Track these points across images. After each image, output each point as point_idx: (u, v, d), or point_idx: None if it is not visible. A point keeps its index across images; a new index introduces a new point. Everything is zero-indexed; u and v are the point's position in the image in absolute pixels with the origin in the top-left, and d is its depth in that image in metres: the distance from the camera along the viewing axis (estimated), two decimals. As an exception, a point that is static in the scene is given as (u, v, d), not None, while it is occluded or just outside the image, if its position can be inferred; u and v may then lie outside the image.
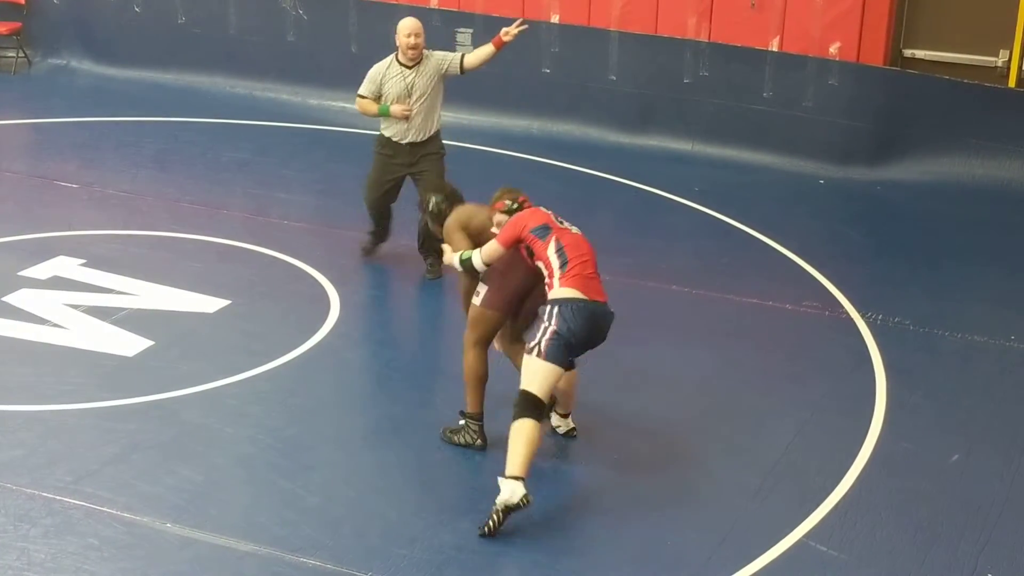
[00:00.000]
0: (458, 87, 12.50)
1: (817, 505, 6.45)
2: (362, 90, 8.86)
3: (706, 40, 11.81)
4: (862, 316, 8.60)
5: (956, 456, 7.00)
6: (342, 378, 7.83)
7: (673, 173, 11.39)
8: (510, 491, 6.02)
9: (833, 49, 11.40)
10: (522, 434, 6.12)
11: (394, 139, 8.88)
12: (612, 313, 6.50)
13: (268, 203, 10.53)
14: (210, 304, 8.53)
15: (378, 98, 8.81)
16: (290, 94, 13.29)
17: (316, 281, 8.98)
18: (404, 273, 9.26)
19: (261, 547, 5.94)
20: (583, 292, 6.36)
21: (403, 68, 8.75)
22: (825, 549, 6.12)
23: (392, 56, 8.85)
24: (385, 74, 8.78)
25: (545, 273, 6.47)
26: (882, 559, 6.12)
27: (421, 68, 8.77)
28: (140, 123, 12.68)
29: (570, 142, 12.14)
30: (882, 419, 7.30)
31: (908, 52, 11.53)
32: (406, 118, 8.73)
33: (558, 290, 6.36)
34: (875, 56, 11.35)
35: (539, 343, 6.23)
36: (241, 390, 7.48)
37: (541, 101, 12.50)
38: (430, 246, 8.62)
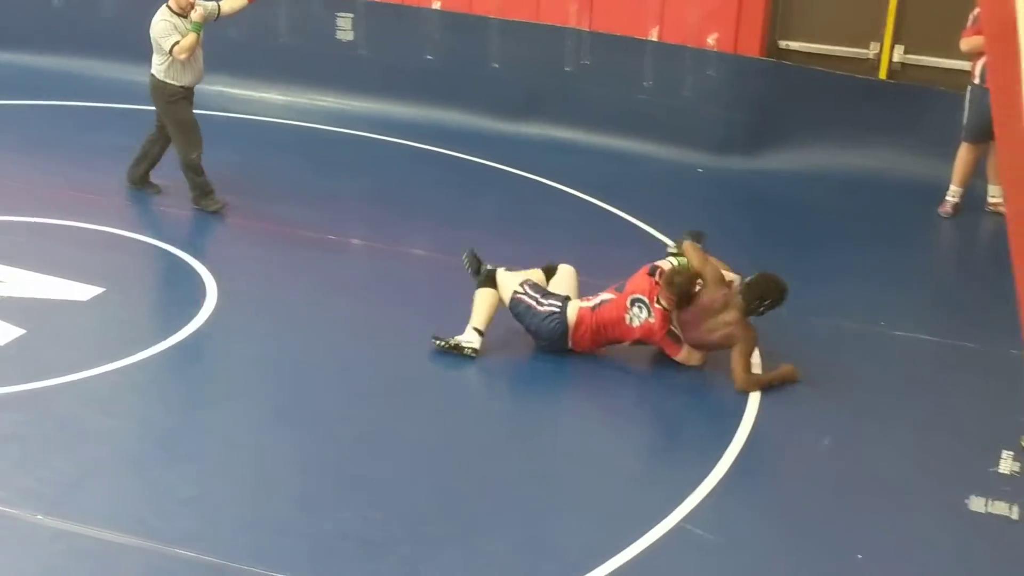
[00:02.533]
0: (341, 72, 12.48)
1: (694, 489, 6.54)
2: (175, 37, 9.48)
3: (587, 29, 11.87)
4: (739, 303, 8.72)
5: (827, 440, 7.15)
6: (219, 367, 7.74)
7: (556, 161, 11.44)
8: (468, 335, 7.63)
9: (711, 40, 11.54)
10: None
11: (189, 86, 9.76)
12: None
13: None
14: (83, 292, 8.36)
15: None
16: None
17: (193, 269, 8.86)
18: (282, 261, 9.17)
19: (137, 539, 5.85)
20: None
21: (180, 17, 9.57)
22: (701, 533, 6.22)
23: (165, 10, 9.57)
24: (175, 23, 9.54)
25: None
26: (756, 542, 6.24)
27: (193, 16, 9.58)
28: (12, 107, 12.36)
29: (453, 129, 12.12)
30: (757, 404, 7.43)
31: (783, 43, 11.72)
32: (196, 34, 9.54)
33: None
34: (751, 47, 11.52)
35: None
36: (116, 380, 7.35)
37: (423, 88, 12.46)
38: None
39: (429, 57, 12.47)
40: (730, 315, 7.55)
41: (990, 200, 10.47)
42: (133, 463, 6.57)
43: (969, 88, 10.22)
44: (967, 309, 8.86)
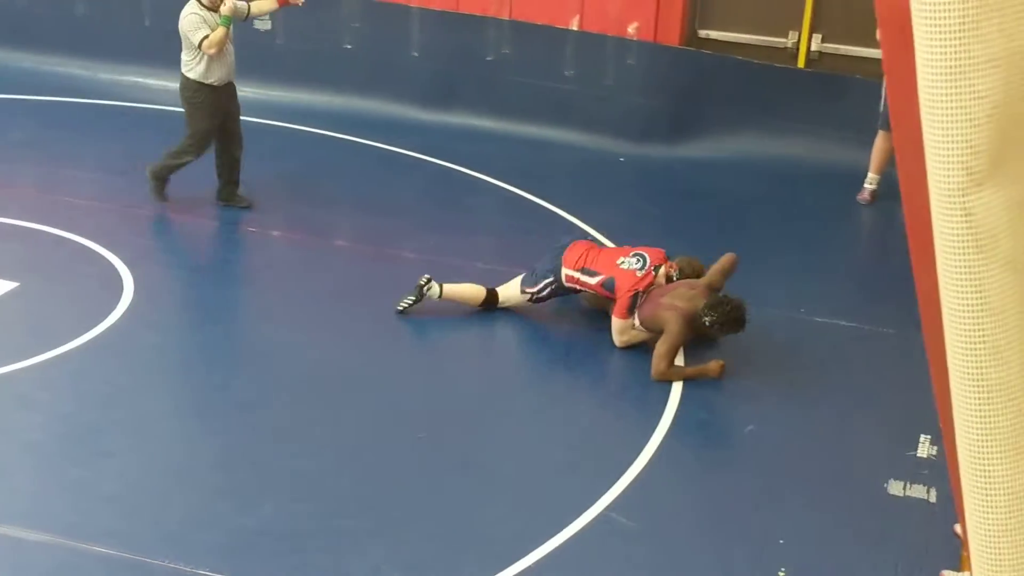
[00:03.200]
0: (260, 62, 12.32)
1: (618, 478, 6.56)
2: (205, 31, 9.14)
3: (508, 18, 11.83)
4: (660, 291, 8.75)
5: (750, 427, 7.19)
6: (137, 362, 7.61)
7: (477, 150, 11.40)
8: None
9: (631, 29, 11.56)
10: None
11: (216, 84, 9.31)
12: None
13: (57, 181, 10.14)
14: (-4, 286, 8.20)
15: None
16: (79, 68, 12.80)
17: (108, 262, 8.70)
18: (199, 254, 9.06)
19: (52, 536, 5.75)
20: None
21: (210, 12, 9.22)
22: (625, 520, 6.23)
23: (194, 3, 9.21)
24: (204, 16, 9.19)
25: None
26: (679, 528, 6.27)
27: (222, 10, 9.23)
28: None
29: (373, 119, 12.03)
30: (680, 392, 7.46)
31: (703, 33, 11.78)
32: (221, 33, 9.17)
33: None
34: (671, 36, 11.56)
35: None
36: (30, 376, 7.21)
37: (343, 77, 12.36)
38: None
39: (348, 46, 12.36)
40: (683, 304, 7.56)
41: (906, 187, 10.60)
42: (49, 460, 6.45)
43: (886, 76, 10.31)
44: (885, 295, 8.95)
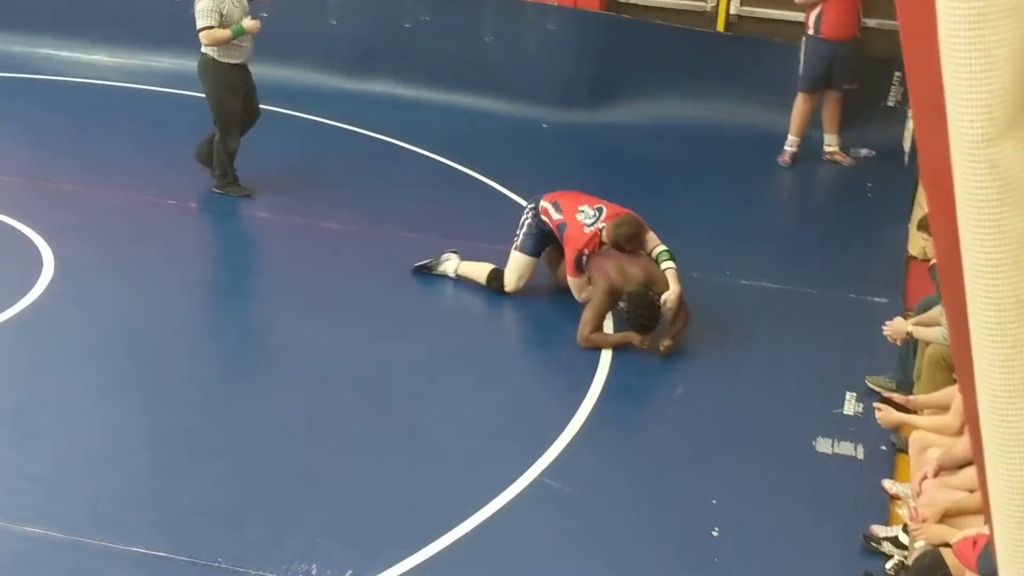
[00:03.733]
0: (176, 32, 12.12)
1: (551, 444, 6.59)
2: (209, 22, 8.98)
3: (426, -15, 11.77)
4: (587, 257, 8.78)
5: (680, 390, 7.26)
6: (61, 339, 7.48)
7: (397, 118, 11.33)
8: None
9: (552, -6, 11.55)
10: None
11: (235, 63, 9.18)
12: None
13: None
14: (-88, 265, 8.03)
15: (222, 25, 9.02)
16: (-9, 40, 12.52)
17: (27, 237, 8.54)
18: (122, 227, 8.91)
19: (-19, 519, 5.66)
20: None
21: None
22: (559, 486, 6.27)
23: None
24: (219, 3, 8.98)
25: None
26: (612, 492, 6.32)
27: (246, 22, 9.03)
28: None
29: (291, 88, 11.87)
30: (609, 358, 7.50)
31: (623, -3, 11.80)
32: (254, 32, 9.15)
33: None
34: (591, 1, 11.55)
35: None
36: (-49, 356, 7.08)
37: (260, 46, 12.11)
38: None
39: (264, 14, 12.18)
40: (615, 276, 7.55)
41: (826, 149, 10.72)
42: (-26, 441, 6.34)
43: (804, 39, 10.41)
44: (807, 256, 9.08)
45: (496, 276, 8.12)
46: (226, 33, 8.99)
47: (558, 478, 6.33)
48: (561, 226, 7.88)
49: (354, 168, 10.37)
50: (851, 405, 7.08)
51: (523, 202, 9.47)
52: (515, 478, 6.27)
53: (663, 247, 7.80)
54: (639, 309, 7.42)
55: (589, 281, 7.75)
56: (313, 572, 5.52)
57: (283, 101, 11.56)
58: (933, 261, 7.41)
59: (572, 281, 7.87)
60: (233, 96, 9.24)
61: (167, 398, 6.83)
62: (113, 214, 9.09)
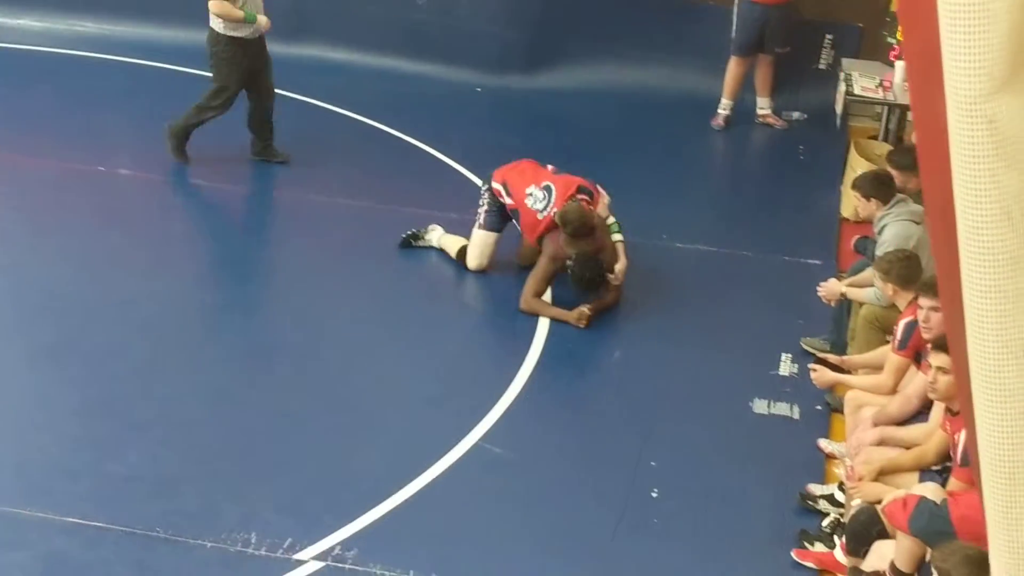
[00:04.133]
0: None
1: (489, 409, 6.59)
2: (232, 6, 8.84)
3: (360, -52, 11.62)
4: (523, 221, 8.76)
5: (617, 353, 7.28)
6: (-10, 308, 7.36)
7: (329, 83, 11.19)
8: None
9: (485, -43, 11.45)
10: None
11: (247, 37, 8.96)
12: None
13: None
14: None
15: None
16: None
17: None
18: (46, 195, 8.75)
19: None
20: None
21: None
22: (499, 451, 6.28)
23: None
24: None
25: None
26: (552, 455, 6.34)
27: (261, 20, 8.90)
28: None
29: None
30: (547, 323, 7.49)
31: (557, -39, 11.71)
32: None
33: None
34: (525, -35, 11.48)
35: None
36: None
37: (186, 10, 11.93)
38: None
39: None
40: (563, 244, 7.49)
41: (759, 112, 10.76)
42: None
43: (736, 3, 10.42)
44: (741, 219, 9.11)
45: (463, 252, 8.07)
46: (238, 13, 8.80)
47: (498, 443, 6.34)
48: (514, 212, 7.83)
49: (285, 134, 10.22)
50: (786, 366, 7.14)
51: (456, 166, 9.46)
52: (455, 444, 6.27)
53: (613, 218, 7.78)
54: (584, 270, 7.40)
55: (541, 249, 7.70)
56: (252, 541, 5.49)
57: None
58: (858, 236, 7.49)
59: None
60: (238, 71, 9.02)
61: (97, 369, 6.73)
62: (41, 182, 8.92)
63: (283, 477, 5.97)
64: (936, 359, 5.26)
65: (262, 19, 8.95)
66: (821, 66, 11.00)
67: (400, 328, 7.49)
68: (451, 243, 8.17)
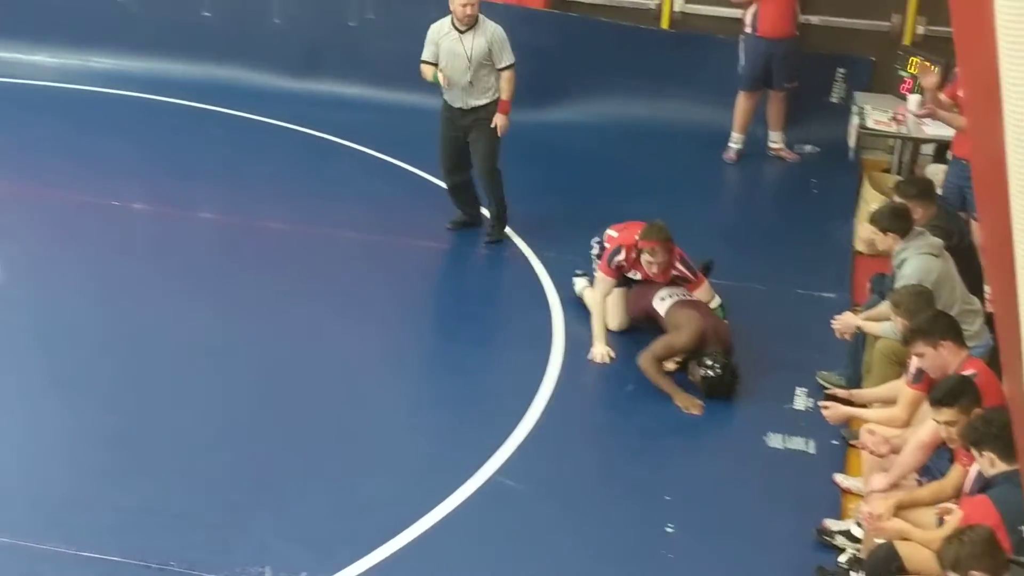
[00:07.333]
0: (115, 31, 11.96)
1: (503, 441, 6.56)
2: (424, 55, 8.78)
3: (372, -16, 11.69)
4: (536, 255, 8.77)
5: (631, 386, 7.25)
6: (0, 342, 7.35)
7: (342, 118, 11.23)
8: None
9: (496, -8, 11.51)
10: None
11: (451, 104, 8.83)
12: None
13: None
14: None
15: (437, 59, 8.70)
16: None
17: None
18: (60, 228, 8.78)
19: (-76, 527, 5.54)
20: None
21: (458, 31, 8.65)
22: (513, 484, 6.25)
23: (448, 18, 8.74)
24: (441, 35, 8.72)
25: None
26: (567, 489, 6.31)
27: (475, 32, 8.66)
28: None
29: (234, 88, 11.75)
30: (561, 354, 7.48)
31: (567, -5, 11.78)
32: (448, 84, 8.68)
33: None
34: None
35: None
36: None
37: (201, 45, 12.06)
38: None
39: (206, 13, 12.08)
40: (709, 329, 7.34)
41: (771, 145, 10.76)
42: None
43: (742, 37, 10.45)
44: (754, 252, 9.09)
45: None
46: (426, 71, 8.75)
47: (512, 476, 6.31)
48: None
49: (298, 168, 10.28)
50: (801, 400, 7.11)
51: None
52: (469, 476, 6.25)
53: (718, 300, 7.81)
54: (728, 378, 7.15)
55: (673, 318, 7.43)
56: (267, 574, 5.46)
57: (224, 101, 11.46)
58: (875, 274, 7.47)
59: (602, 277, 7.69)
60: (442, 129, 8.96)
61: (111, 400, 6.73)
62: (50, 215, 8.95)
63: (297, 508, 5.95)
64: (939, 415, 5.29)
65: (441, 77, 8.67)
66: (833, 99, 11.01)
67: (414, 359, 7.50)
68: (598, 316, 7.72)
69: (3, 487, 5.92)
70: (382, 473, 6.29)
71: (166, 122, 11.03)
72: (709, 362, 7.11)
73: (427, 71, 8.76)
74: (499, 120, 8.75)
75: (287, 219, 9.11)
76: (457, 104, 8.78)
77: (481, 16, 8.74)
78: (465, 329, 7.85)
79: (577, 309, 7.94)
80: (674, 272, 7.66)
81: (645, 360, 7.21)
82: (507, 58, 8.74)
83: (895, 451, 5.70)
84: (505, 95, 8.77)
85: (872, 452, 5.77)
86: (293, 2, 11.91)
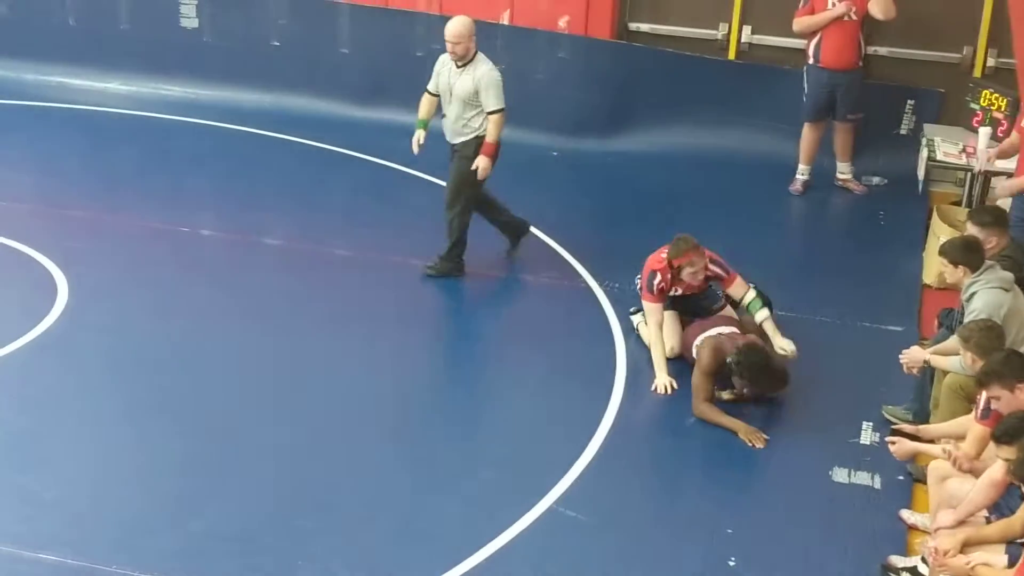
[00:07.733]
0: (186, 60, 12.16)
1: (565, 472, 6.56)
2: (429, 84, 8.90)
3: (437, 13, 11.78)
4: (600, 285, 8.77)
5: (692, 418, 7.21)
6: (74, 365, 7.48)
7: (408, 147, 11.25)
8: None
9: (562, 23, 11.55)
10: None
11: (449, 141, 8.92)
12: None
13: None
14: (-75, 292, 8.03)
15: (438, 90, 8.81)
16: (3, 69, 12.54)
17: (41, 265, 8.55)
18: (134, 254, 8.91)
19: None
20: None
21: (456, 65, 8.67)
22: (574, 514, 6.24)
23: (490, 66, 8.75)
24: (443, 66, 8.80)
25: None
26: (627, 520, 6.29)
27: (466, 70, 8.63)
28: None
29: (303, 116, 11.89)
30: (623, 385, 7.47)
31: (633, 26, 11.79)
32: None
33: None
34: (602, 30, 11.55)
35: None
36: (-37, 382, 7.07)
37: (271, 75, 12.22)
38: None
39: (276, 43, 12.25)
40: (724, 340, 7.40)
41: (839, 176, 10.70)
42: (-9, 468, 6.32)
43: (805, 68, 10.42)
44: (821, 284, 9.03)
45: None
46: (419, 113, 8.95)
47: (573, 506, 6.30)
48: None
49: (363, 196, 10.36)
50: (868, 435, 7.04)
51: (533, 229, 9.50)
52: (530, 506, 6.24)
53: (754, 293, 7.85)
54: (754, 358, 7.19)
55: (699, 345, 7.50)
56: (330, 601, 5.49)
57: (293, 129, 11.59)
58: (943, 309, 7.40)
59: (649, 306, 7.75)
60: (450, 166, 9.01)
61: (181, 424, 6.82)
62: (126, 242, 9.09)
63: (359, 534, 5.98)
64: (1001, 452, 5.25)
65: (419, 133, 8.93)
66: (902, 131, 10.94)
67: (478, 387, 7.53)
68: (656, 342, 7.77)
69: (74, 509, 6.01)
70: (443, 500, 6.31)
71: (235, 150, 11.18)
72: (730, 359, 7.17)
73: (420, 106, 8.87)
74: (480, 162, 8.65)
75: (353, 246, 9.19)
76: (447, 138, 8.89)
77: (480, 55, 8.70)
78: (529, 358, 7.86)
79: (639, 340, 7.93)
80: (707, 273, 7.77)
81: (696, 409, 7.20)
82: (493, 103, 8.60)
83: (974, 473, 5.66)
84: (490, 138, 8.65)
85: (953, 462, 5.73)
86: (360, 32, 12.03)
